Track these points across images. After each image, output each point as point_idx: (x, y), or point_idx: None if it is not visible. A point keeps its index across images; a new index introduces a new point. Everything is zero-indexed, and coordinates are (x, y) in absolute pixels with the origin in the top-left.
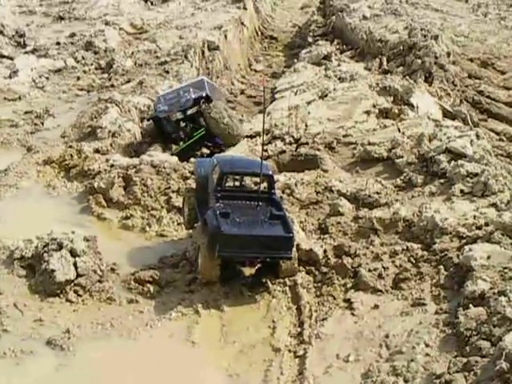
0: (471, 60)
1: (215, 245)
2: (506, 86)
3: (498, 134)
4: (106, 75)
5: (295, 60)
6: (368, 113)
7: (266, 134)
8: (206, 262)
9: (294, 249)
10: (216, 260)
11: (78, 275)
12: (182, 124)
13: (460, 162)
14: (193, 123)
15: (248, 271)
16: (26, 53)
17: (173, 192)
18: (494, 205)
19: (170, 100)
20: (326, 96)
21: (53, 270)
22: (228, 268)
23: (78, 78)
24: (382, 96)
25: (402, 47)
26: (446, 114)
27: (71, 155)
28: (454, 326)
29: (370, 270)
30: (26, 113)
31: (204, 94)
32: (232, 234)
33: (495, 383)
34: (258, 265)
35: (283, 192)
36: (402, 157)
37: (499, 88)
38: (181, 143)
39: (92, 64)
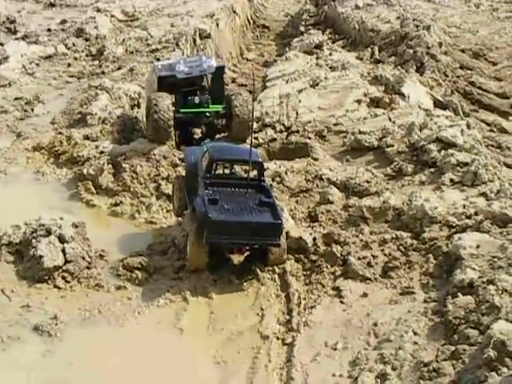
0: (463, 51)
1: (203, 231)
2: (497, 77)
3: (488, 124)
4: (96, 62)
5: (287, 49)
6: (359, 102)
7: (257, 122)
8: (193, 248)
9: (283, 236)
10: (204, 247)
11: (67, 261)
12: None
13: (450, 151)
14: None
15: (237, 259)
16: (16, 39)
17: (162, 179)
18: (483, 194)
19: (192, 63)
20: (317, 85)
21: (41, 256)
22: (216, 255)
23: (69, 65)
24: (373, 85)
25: (393, 37)
26: (437, 104)
27: (61, 141)
28: (442, 315)
29: (359, 259)
30: (15, 99)
31: (226, 65)
32: (220, 220)
33: (483, 371)
34: (247, 252)
35: (273, 180)
36: (393, 146)
37: (491, 79)
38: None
39: (83, 51)
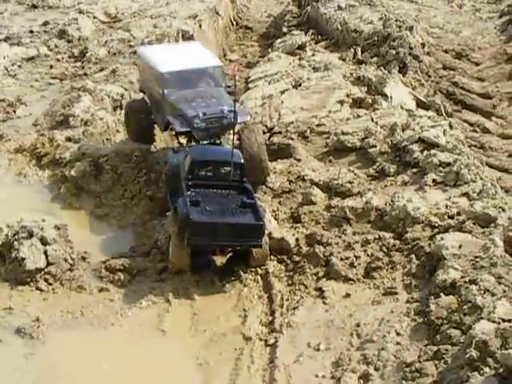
0: (446, 51)
1: (185, 233)
2: (480, 78)
3: (471, 125)
4: (79, 64)
5: (270, 50)
6: (342, 102)
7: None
8: (176, 250)
9: (266, 237)
10: (186, 248)
11: (49, 263)
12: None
13: (433, 151)
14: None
15: (219, 260)
16: None
17: (145, 181)
18: (465, 194)
19: (211, 116)
20: (299, 85)
21: (23, 259)
22: (199, 257)
23: (51, 67)
24: (355, 86)
25: (376, 38)
26: (420, 105)
27: (43, 143)
28: (424, 315)
29: (341, 259)
30: None
31: (248, 119)
32: (201, 221)
33: (465, 371)
34: (229, 253)
35: None
36: (375, 146)
37: (473, 79)
38: None
39: (65, 52)
